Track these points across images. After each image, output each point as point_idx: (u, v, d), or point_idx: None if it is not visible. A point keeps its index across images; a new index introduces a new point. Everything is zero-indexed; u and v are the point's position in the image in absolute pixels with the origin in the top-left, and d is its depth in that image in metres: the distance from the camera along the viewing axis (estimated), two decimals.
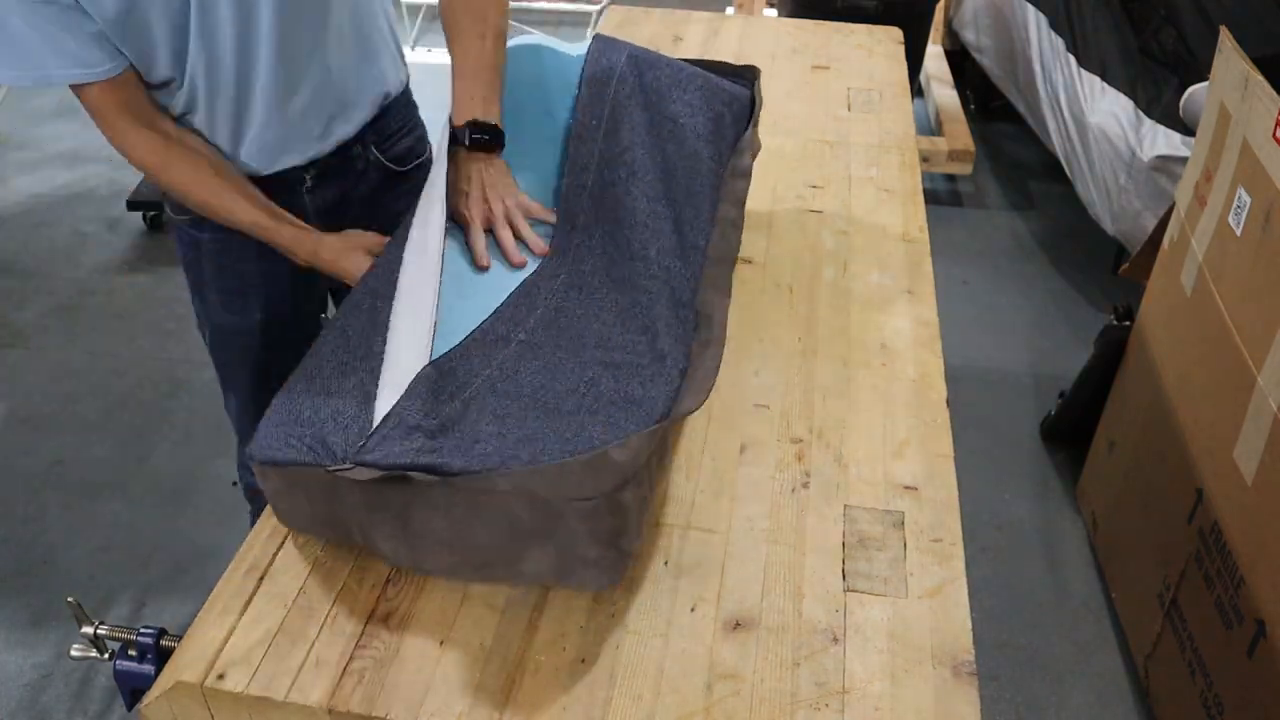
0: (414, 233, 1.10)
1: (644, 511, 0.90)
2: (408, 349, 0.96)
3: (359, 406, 0.90)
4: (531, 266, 1.12)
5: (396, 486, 0.83)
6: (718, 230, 1.13)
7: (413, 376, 0.92)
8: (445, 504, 0.84)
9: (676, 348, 0.98)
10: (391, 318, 1.00)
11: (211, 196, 1.19)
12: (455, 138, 1.16)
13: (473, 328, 1.02)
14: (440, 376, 0.93)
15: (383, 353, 0.96)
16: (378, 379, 0.93)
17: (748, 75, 1.33)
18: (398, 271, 1.06)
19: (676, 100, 1.23)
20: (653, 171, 1.16)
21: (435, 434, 0.87)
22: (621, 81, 1.22)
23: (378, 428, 0.87)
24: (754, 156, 1.26)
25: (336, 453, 0.86)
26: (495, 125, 1.16)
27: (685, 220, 1.12)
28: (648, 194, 1.13)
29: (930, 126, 3.47)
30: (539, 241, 1.14)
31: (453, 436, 0.87)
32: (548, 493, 0.80)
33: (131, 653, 0.98)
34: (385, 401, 0.90)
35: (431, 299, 1.01)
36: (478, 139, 1.15)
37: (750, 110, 1.29)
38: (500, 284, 1.09)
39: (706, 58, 1.36)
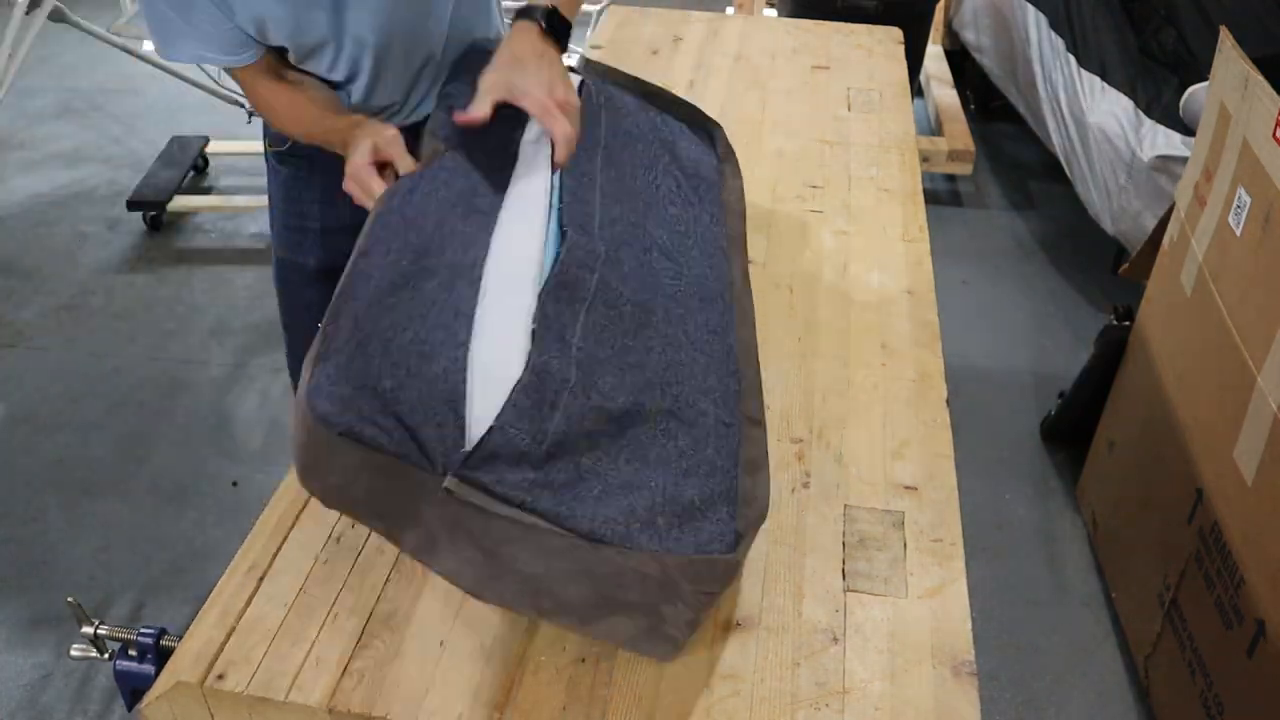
0: (514, 198, 1.01)
1: None
2: (499, 345, 0.87)
3: (447, 405, 0.81)
4: (543, 231, 1.00)
5: (502, 521, 0.77)
6: (738, 312, 1.08)
7: (509, 380, 0.83)
8: (554, 553, 0.78)
9: (735, 420, 0.94)
10: (479, 304, 0.91)
11: (303, 114, 1.23)
12: (528, 13, 1.11)
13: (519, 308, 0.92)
14: (537, 383, 0.84)
15: (468, 343, 0.86)
16: (465, 377, 0.84)
17: (708, 129, 1.33)
18: (487, 245, 0.97)
19: (665, 149, 1.23)
20: (665, 227, 1.12)
21: (542, 463, 0.80)
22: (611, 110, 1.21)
23: (482, 442, 0.78)
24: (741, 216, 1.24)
25: (432, 455, 0.78)
26: (568, 22, 1.14)
27: (710, 293, 1.07)
28: (664, 253, 1.08)
29: (930, 126, 3.47)
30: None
31: (560, 469, 0.80)
32: (684, 581, 0.78)
33: (131, 653, 0.99)
34: (480, 405, 0.81)
35: (531, 292, 0.92)
36: (553, 25, 1.11)
37: (718, 165, 1.28)
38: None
39: (677, 94, 1.34)
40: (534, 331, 0.88)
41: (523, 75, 1.06)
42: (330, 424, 0.77)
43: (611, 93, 1.24)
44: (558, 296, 0.92)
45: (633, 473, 0.84)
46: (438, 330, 0.87)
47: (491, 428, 0.79)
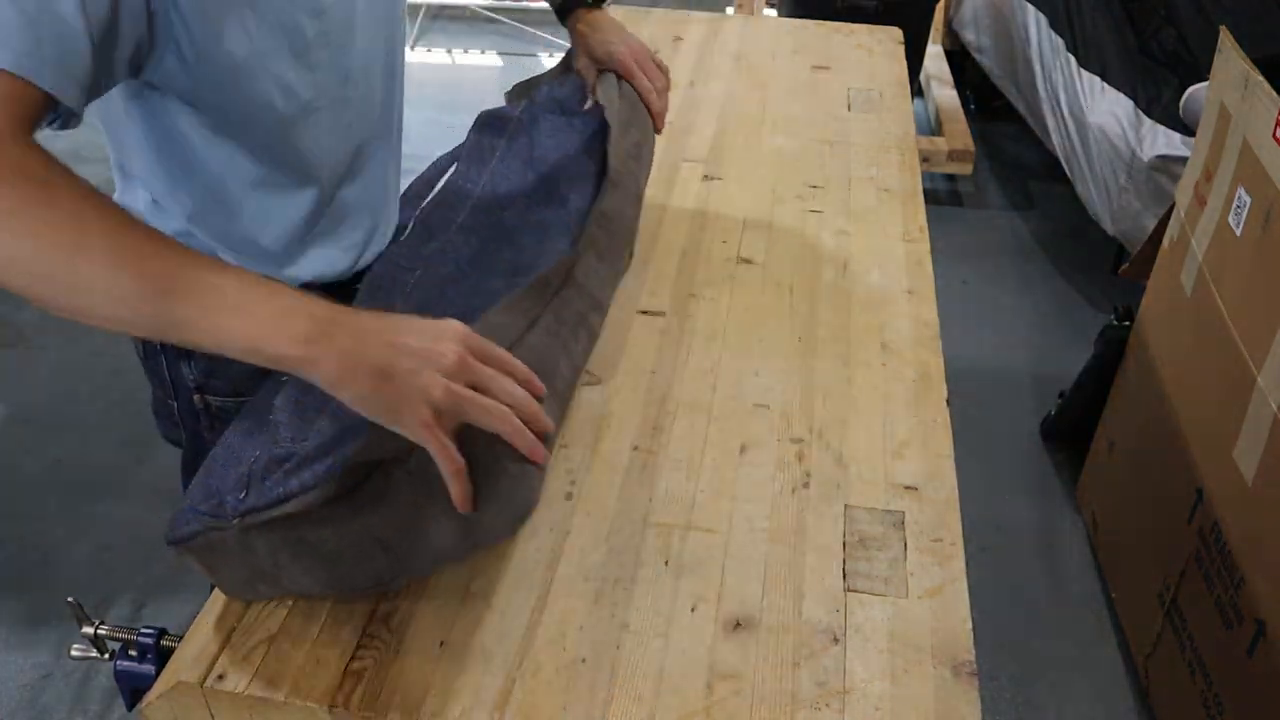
0: None
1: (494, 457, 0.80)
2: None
3: (250, 465, 0.88)
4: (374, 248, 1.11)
5: (285, 519, 0.81)
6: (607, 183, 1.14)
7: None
8: (331, 514, 0.81)
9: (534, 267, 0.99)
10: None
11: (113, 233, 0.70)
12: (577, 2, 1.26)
13: None
14: (301, 394, 0.90)
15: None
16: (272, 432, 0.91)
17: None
18: None
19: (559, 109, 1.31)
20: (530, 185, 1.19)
21: (304, 462, 0.85)
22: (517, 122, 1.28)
23: (253, 469, 0.85)
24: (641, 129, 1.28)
25: (228, 514, 0.84)
26: None
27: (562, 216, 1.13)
28: (525, 210, 1.15)
29: (930, 126, 3.47)
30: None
31: (315, 449, 0.85)
32: (372, 454, 0.79)
33: (131, 653, 0.98)
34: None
35: None
36: None
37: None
38: None
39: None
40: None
41: (607, 43, 1.25)
42: (168, 543, 0.86)
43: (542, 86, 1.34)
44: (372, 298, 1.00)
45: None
46: (264, 408, 0.93)
47: (257, 458, 0.86)
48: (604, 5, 1.29)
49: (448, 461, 0.72)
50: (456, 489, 0.74)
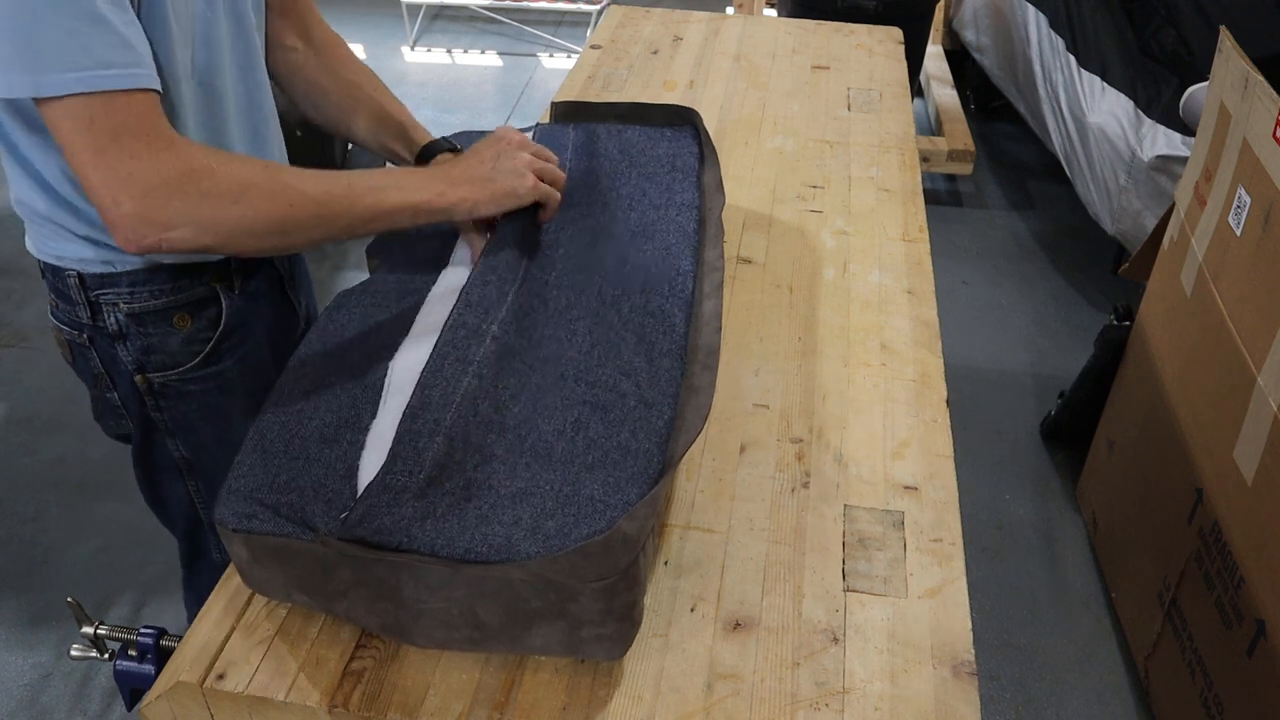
0: (431, 305, 1.05)
1: (650, 572, 0.87)
2: (393, 418, 0.90)
3: (342, 480, 0.85)
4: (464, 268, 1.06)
5: (385, 563, 0.79)
6: (700, 284, 1.10)
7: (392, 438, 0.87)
8: (442, 583, 0.79)
9: (661, 399, 0.94)
10: (386, 391, 0.94)
11: (323, 182, 0.95)
12: (442, 147, 1.18)
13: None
14: (414, 416, 0.86)
15: (370, 425, 0.90)
16: (361, 450, 0.87)
17: (686, 118, 1.35)
18: (402, 337, 1.00)
19: (632, 164, 1.26)
20: (616, 230, 1.14)
21: (424, 491, 0.82)
22: (576, 150, 1.24)
23: (363, 495, 0.81)
24: (722, 202, 1.24)
25: (317, 526, 0.80)
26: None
27: (657, 279, 1.09)
28: (610, 248, 1.11)
29: (930, 126, 3.48)
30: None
31: (443, 492, 0.82)
32: (564, 578, 0.77)
33: (131, 653, 0.99)
34: (370, 468, 0.85)
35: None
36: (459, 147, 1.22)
37: (699, 152, 1.31)
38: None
39: (646, 100, 1.36)
40: (426, 363, 0.91)
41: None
42: (226, 526, 0.82)
43: (574, 131, 1.30)
44: (462, 321, 0.96)
45: (530, 477, 0.84)
46: (349, 416, 0.91)
47: (370, 484, 0.82)
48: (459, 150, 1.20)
49: (550, 197, 1.08)
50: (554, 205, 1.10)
